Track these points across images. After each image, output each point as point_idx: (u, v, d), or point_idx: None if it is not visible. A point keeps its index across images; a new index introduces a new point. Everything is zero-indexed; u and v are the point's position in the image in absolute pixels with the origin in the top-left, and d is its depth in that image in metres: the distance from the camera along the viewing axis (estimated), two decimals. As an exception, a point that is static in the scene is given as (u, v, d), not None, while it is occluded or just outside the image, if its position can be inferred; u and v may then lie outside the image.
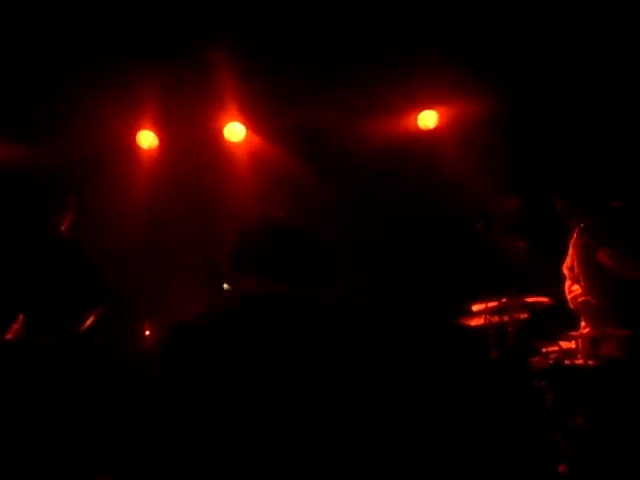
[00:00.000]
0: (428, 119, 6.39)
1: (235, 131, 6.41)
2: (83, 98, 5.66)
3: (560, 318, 4.51)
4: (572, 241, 4.36)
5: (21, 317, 4.33)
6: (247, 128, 6.43)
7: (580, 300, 4.24)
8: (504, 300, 4.41)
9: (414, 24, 5.59)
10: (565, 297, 4.40)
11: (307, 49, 5.73)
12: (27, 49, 5.36)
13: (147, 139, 6.35)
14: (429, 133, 6.38)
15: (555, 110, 5.91)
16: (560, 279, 4.47)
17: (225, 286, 5.66)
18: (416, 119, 6.39)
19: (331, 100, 6.19)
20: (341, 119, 6.23)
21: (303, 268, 4.35)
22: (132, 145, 6.31)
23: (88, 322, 4.28)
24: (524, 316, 4.52)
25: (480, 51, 5.67)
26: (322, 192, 6.19)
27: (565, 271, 4.42)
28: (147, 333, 5.66)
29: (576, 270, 4.28)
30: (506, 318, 4.45)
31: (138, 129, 6.32)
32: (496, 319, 4.46)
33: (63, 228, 4.41)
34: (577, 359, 4.04)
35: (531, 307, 4.47)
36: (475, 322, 4.66)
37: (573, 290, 4.32)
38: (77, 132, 5.87)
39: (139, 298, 5.51)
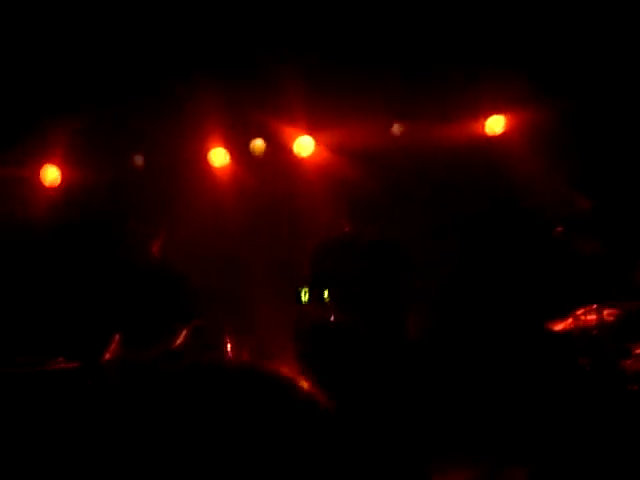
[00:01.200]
0: (495, 124, 6.38)
1: (304, 145, 6.48)
2: (169, 115, 5.82)
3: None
4: None
5: (117, 337, 4.43)
6: (316, 141, 6.49)
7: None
8: (591, 304, 4.38)
9: (483, 31, 5.63)
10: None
11: (376, 61, 5.80)
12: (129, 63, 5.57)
13: (219, 157, 6.46)
14: (497, 139, 6.36)
15: (627, 110, 5.87)
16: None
17: (304, 298, 5.74)
18: (483, 125, 6.39)
19: (399, 110, 6.26)
20: (410, 128, 6.28)
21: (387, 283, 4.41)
22: (205, 163, 6.43)
23: (181, 338, 4.36)
24: (614, 319, 4.48)
25: (548, 56, 5.68)
26: (392, 203, 6.21)
27: None
28: (229, 347, 5.74)
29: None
30: (595, 322, 4.42)
31: (209, 147, 6.46)
32: (585, 323, 4.43)
33: (155, 248, 4.51)
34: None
35: (621, 309, 4.44)
36: (561, 327, 4.64)
37: None
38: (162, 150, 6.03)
39: (225, 313, 5.58)
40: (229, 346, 5.66)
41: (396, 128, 6.39)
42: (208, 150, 6.46)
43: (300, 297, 5.79)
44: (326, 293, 4.74)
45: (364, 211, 4.73)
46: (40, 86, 5.93)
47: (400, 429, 4.29)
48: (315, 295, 4.87)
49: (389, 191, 6.07)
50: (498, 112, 6.33)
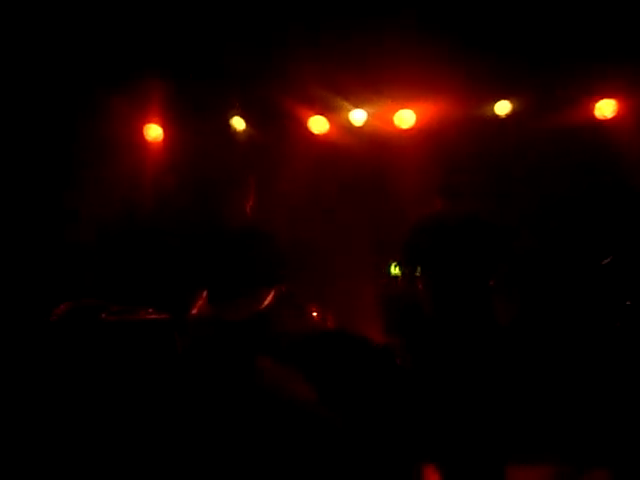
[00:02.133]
0: (606, 108, 6.15)
1: (405, 118, 6.40)
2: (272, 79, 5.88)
3: None
4: None
5: (204, 293, 4.51)
6: (416, 115, 6.41)
7: None
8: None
9: (596, 13, 5.44)
10: None
11: (484, 37, 5.68)
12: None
13: (319, 124, 6.47)
14: (607, 123, 6.15)
15: None
16: None
17: (394, 271, 5.71)
18: (593, 108, 6.18)
19: (505, 87, 6.12)
20: (516, 107, 6.14)
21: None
22: (304, 131, 6.46)
23: (268, 300, 4.39)
24: None
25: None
26: (490, 182, 6.08)
27: None
28: (314, 315, 5.78)
29: None
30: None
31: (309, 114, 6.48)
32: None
33: (248, 210, 4.56)
34: None
35: None
36: None
37: None
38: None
39: (313, 279, 5.61)
40: (315, 312, 5.70)
41: (500, 106, 6.23)
42: (309, 117, 6.48)
43: (390, 270, 5.80)
44: (419, 269, 4.73)
45: (461, 189, 4.63)
46: (146, 47, 6.06)
47: (482, 411, 4.24)
48: (407, 270, 4.85)
49: (487, 169, 5.93)
50: (609, 96, 6.11)
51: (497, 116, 6.28)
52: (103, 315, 4.23)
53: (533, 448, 4.43)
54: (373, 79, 6.21)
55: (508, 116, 6.21)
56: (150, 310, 4.37)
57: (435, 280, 4.64)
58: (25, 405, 3.87)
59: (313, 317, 5.71)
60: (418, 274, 4.75)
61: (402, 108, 6.41)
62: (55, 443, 3.81)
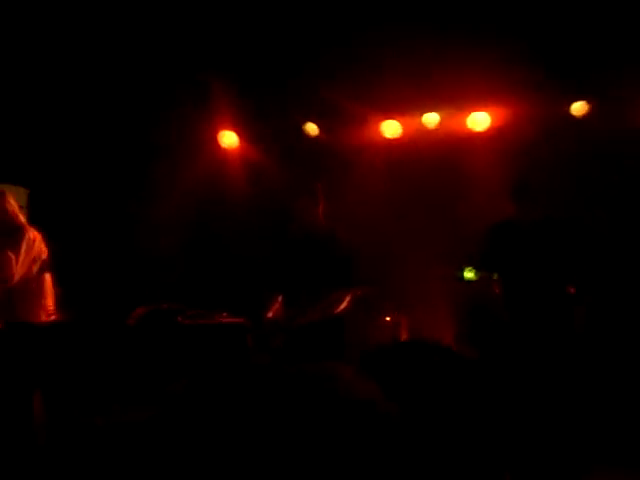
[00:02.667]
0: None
1: (479, 120, 6.33)
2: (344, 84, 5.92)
3: None
4: None
5: (280, 297, 4.56)
6: (491, 117, 6.32)
7: None
8: None
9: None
10: None
11: (561, 38, 5.58)
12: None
13: (391, 128, 6.47)
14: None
15: None
16: None
17: (466, 276, 5.65)
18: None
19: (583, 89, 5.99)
20: (593, 109, 6.00)
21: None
22: (375, 136, 6.46)
23: (343, 305, 4.41)
24: None
25: None
26: (566, 186, 5.94)
27: None
28: (388, 319, 5.77)
29: None
30: None
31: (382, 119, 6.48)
32: None
33: (321, 215, 4.59)
34: None
35: None
36: None
37: None
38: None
39: (383, 285, 5.60)
40: (388, 317, 5.69)
41: (577, 107, 6.09)
42: (380, 121, 6.48)
43: (463, 275, 5.74)
44: (495, 274, 4.66)
45: (538, 192, 4.54)
46: (219, 54, 6.16)
47: (559, 419, 4.15)
48: (483, 274, 4.79)
49: (564, 172, 5.80)
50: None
51: (574, 117, 6.14)
52: (179, 318, 4.32)
53: (614, 456, 4.32)
54: (446, 81, 6.15)
55: (585, 117, 6.05)
56: (225, 314, 4.44)
57: (513, 285, 4.56)
58: (103, 404, 3.98)
59: (387, 322, 5.70)
60: (495, 279, 4.69)
61: (476, 110, 6.34)
62: (129, 444, 3.89)
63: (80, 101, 6.32)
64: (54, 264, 4.99)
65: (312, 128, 6.61)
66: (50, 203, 6.09)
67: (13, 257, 4.55)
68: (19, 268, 4.55)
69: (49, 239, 4.92)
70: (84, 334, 4.18)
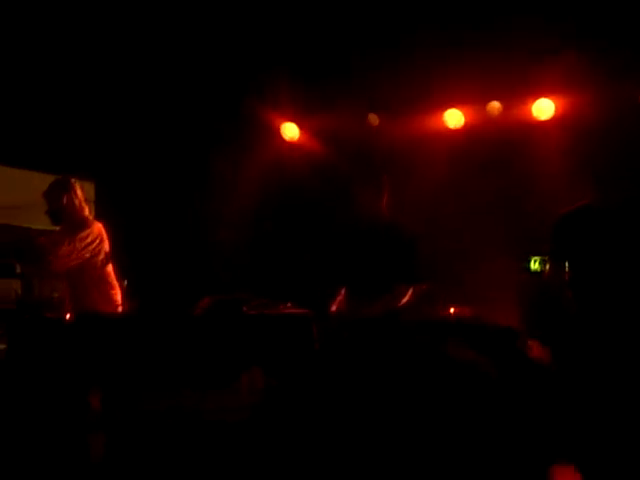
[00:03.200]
0: None
1: (544, 108, 6.20)
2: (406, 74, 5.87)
3: None
4: None
5: (343, 290, 4.54)
6: (556, 105, 6.19)
7: None
8: None
9: None
10: None
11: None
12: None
13: (454, 118, 6.38)
14: None
15: None
16: None
17: (533, 266, 5.54)
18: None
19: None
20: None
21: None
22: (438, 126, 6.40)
23: (406, 298, 4.37)
24: None
25: None
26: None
27: None
28: (452, 311, 5.70)
29: None
30: None
31: (445, 108, 6.40)
32: None
33: (382, 206, 4.55)
34: None
35: None
36: None
37: None
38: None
39: (446, 278, 5.54)
40: (452, 310, 5.62)
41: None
42: (443, 111, 6.41)
43: (530, 265, 5.61)
44: (566, 264, 4.52)
45: (609, 181, 4.36)
46: (280, 46, 6.17)
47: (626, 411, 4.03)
48: (554, 265, 4.65)
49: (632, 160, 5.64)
50: None
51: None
52: (244, 309, 4.33)
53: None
54: (509, 68, 6.04)
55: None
56: (289, 305, 4.44)
57: (585, 276, 4.41)
58: (168, 393, 4.01)
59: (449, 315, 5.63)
60: (566, 270, 4.54)
61: (540, 98, 6.21)
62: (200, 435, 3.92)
63: (147, 94, 6.41)
64: (120, 256, 5.10)
65: (374, 119, 6.57)
66: (116, 196, 6.21)
67: (66, 245, 4.67)
68: (71, 258, 4.67)
69: (115, 231, 5.02)
70: (151, 325, 4.23)
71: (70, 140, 6.40)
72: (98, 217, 5.19)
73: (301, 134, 6.87)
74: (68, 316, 4.28)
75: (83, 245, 4.80)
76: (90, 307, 4.56)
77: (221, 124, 6.59)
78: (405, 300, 4.37)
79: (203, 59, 6.24)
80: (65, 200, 4.88)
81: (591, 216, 4.36)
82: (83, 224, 4.87)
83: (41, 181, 6.78)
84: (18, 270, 4.84)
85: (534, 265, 5.51)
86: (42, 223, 6.02)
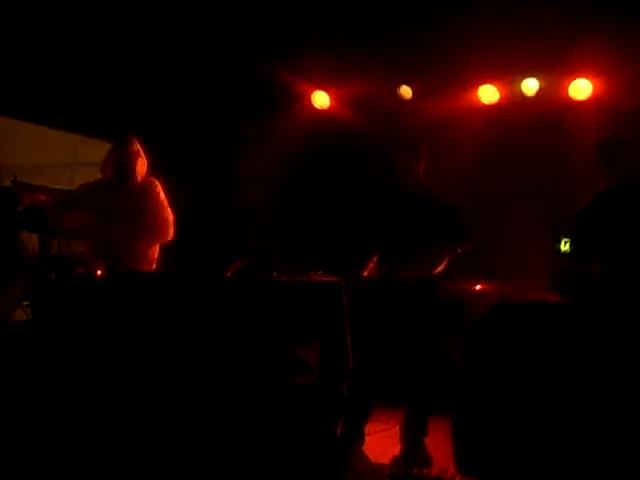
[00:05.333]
0: None
1: (580, 88, 6.12)
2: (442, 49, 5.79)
3: None
4: None
5: (376, 256, 4.52)
6: (592, 85, 6.11)
7: None
8: None
9: None
10: None
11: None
12: None
13: (488, 94, 6.32)
14: None
15: None
16: None
17: (564, 248, 5.49)
18: None
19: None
20: None
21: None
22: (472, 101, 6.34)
23: (441, 266, 4.37)
24: None
25: None
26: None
27: None
28: (477, 288, 5.68)
29: None
30: None
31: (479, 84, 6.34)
32: None
33: (419, 173, 4.52)
34: None
35: None
36: None
37: None
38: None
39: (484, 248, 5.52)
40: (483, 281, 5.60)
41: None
42: (478, 86, 6.34)
43: (560, 246, 5.55)
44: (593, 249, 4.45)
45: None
46: (313, 15, 6.11)
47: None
48: (580, 249, 4.58)
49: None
50: None
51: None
52: (275, 274, 4.31)
53: None
54: (548, 46, 5.95)
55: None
56: (320, 272, 4.42)
57: (611, 262, 4.34)
58: (199, 353, 4.00)
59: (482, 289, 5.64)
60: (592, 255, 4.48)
61: (578, 78, 6.12)
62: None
63: (177, 58, 6.36)
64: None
65: (406, 91, 6.51)
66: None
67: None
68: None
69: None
70: (182, 284, 4.21)
71: (93, 100, 6.37)
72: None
73: (332, 102, 6.82)
74: (99, 272, 4.26)
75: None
76: (126, 261, 4.54)
77: (253, 91, 6.55)
78: (440, 268, 4.36)
79: (236, 26, 6.19)
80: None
81: (617, 203, 4.26)
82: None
83: (64, 140, 6.81)
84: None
85: (564, 246, 5.45)
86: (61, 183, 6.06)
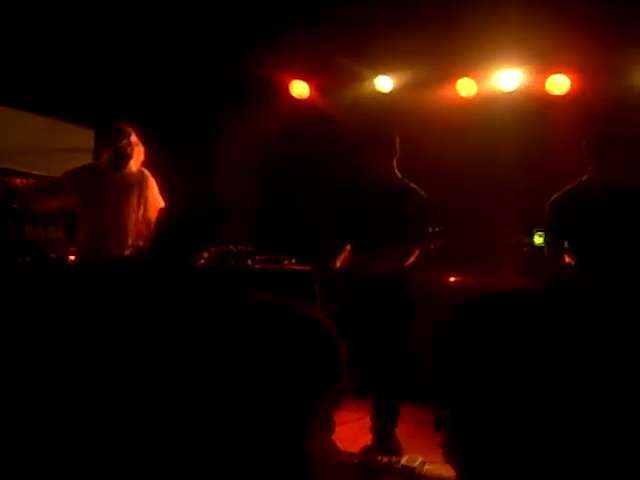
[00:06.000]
0: None
1: (558, 83, 6.15)
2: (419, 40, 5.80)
3: None
4: None
5: (348, 247, 4.53)
6: (571, 80, 6.13)
7: None
8: None
9: None
10: None
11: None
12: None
13: (466, 87, 6.35)
14: None
15: None
16: None
17: (537, 240, 5.52)
18: None
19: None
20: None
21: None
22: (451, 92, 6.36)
23: (412, 258, 4.36)
24: None
25: None
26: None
27: None
28: (451, 280, 5.70)
29: None
30: None
31: (458, 77, 6.36)
32: None
33: (392, 165, 4.52)
34: None
35: None
36: None
37: None
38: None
39: (456, 239, 5.53)
40: (452, 278, 5.61)
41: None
42: (456, 79, 6.36)
43: (533, 239, 5.58)
44: (566, 242, 4.47)
45: (612, 159, 4.31)
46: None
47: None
48: (552, 242, 4.60)
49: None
50: None
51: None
52: (248, 262, 4.30)
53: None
54: (527, 42, 5.96)
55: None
56: (293, 261, 4.41)
57: (583, 254, 4.37)
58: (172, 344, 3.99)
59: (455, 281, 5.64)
60: (565, 247, 4.50)
61: (555, 73, 6.15)
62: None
63: (153, 43, 6.31)
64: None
65: (385, 82, 6.52)
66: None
67: None
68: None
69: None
70: (153, 273, 4.19)
71: (72, 86, 6.31)
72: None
73: (310, 92, 6.81)
74: (72, 258, 4.23)
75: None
76: (94, 249, 4.51)
77: (230, 80, 6.52)
78: (411, 260, 4.36)
79: (213, 13, 6.14)
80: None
81: (590, 197, 4.29)
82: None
83: (40, 125, 6.74)
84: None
85: (538, 239, 5.49)
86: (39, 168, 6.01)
